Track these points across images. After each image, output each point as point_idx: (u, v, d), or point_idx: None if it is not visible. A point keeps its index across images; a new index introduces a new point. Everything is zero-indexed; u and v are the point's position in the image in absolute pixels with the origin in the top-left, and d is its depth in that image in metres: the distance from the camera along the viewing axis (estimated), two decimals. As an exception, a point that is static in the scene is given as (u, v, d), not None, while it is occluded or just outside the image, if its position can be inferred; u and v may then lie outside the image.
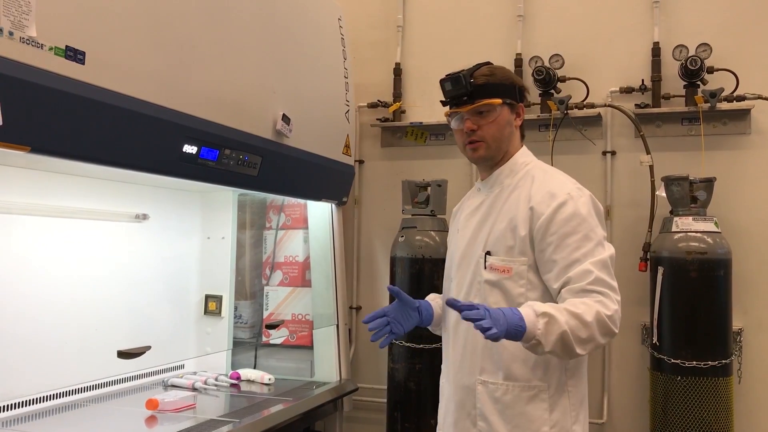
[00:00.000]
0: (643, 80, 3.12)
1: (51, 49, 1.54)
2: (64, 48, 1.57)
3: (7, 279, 2.22)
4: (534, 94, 3.26)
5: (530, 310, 1.58)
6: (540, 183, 1.81)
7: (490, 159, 1.88)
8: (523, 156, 1.91)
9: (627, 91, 3.14)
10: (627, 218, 3.16)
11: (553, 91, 3.19)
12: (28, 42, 1.48)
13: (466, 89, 1.82)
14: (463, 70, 1.85)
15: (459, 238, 1.94)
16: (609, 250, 1.77)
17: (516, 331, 1.54)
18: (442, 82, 1.87)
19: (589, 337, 1.60)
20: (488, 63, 1.91)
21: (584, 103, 3.15)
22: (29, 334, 2.28)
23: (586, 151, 3.23)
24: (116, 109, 1.74)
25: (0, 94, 1.40)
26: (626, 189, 3.18)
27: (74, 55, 1.60)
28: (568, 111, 3.12)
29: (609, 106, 3.14)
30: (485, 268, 1.80)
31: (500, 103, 1.82)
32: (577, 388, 1.79)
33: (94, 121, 1.70)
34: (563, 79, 3.19)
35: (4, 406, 2.19)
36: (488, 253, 1.80)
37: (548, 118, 3.17)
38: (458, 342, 1.86)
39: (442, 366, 1.97)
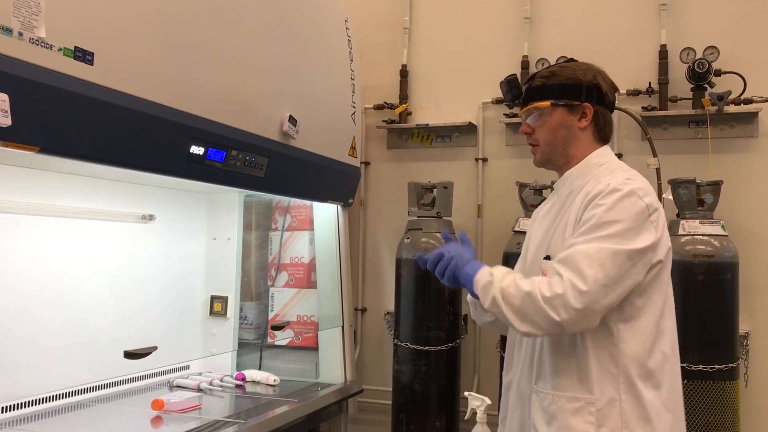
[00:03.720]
0: (650, 83, 3.12)
1: (60, 49, 1.54)
2: (73, 49, 1.57)
3: (14, 279, 2.22)
4: (540, 96, 3.26)
5: (487, 270, 1.64)
6: (597, 180, 1.70)
7: (547, 162, 1.82)
8: (599, 157, 1.78)
9: (634, 93, 3.14)
10: (633, 221, 3.15)
11: (559, 93, 3.18)
12: (37, 43, 1.48)
13: (517, 92, 1.80)
14: (537, 71, 1.84)
15: (530, 244, 1.87)
16: (626, 243, 1.57)
17: (466, 282, 1.66)
18: (500, 84, 1.84)
19: (520, 310, 1.56)
20: (571, 60, 1.86)
21: (591, 105, 3.14)
22: (36, 333, 2.28)
23: (593, 153, 3.22)
24: (124, 110, 1.75)
25: (9, 95, 1.40)
26: (633, 192, 3.16)
27: (83, 55, 1.60)
28: (575, 113, 3.12)
29: (616, 108, 3.13)
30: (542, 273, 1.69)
31: (548, 105, 1.75)
32: (637, 403, 1.61)
33: (102, 121, 1.70)
34: (570, 82, 3.18)
35: (10, 406, 2.20)
36: (547, 257, 1.70)
37: (555, 121, 3.17)
38: (522, 345, 1.78)
39: (505, 362, 1.88)
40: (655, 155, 3.00)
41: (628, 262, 1.56)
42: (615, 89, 1.83)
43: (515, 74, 1.83)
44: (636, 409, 1.60)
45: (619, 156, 3.18)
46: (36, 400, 2.28)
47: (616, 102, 2.98)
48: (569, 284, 1.53)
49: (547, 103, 1.75)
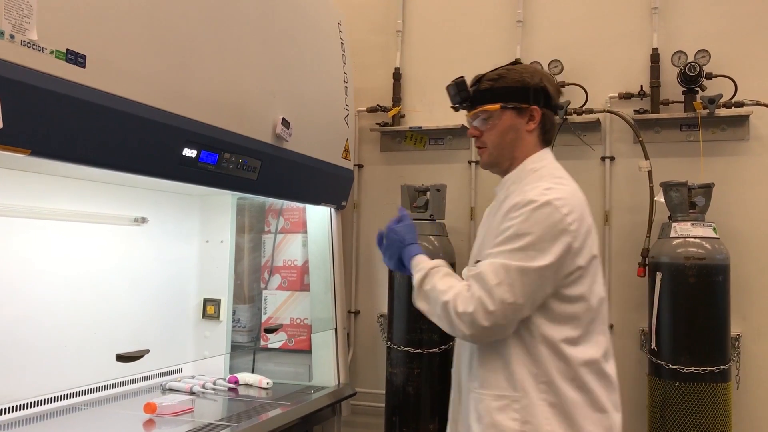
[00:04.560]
0: (642, 86, 3.13)
1: (52, 52, 1.54)
2: (64, 51, 1.57)
3: (6, 282, 2.21)
4: (533, 99, 3.27)
5: (422, 257, 1.78)
6: (523, 188, 1.71)
7: (494, 165, 1.83)
8: (534, 162, 1.78)
9: (626, 96, 3.15)
10: (625, 224, 3.16)
11: (552, 96, 3.19)
12: (29, 45, 1.48)
13: (466, 94, 1.80)
14: (482, 74, 1.83)
15: (474, 243, 1.92)
16: (532, 260, 1.58)
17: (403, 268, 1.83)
18: (447, 87, 1.84)
19: (438, 316, 1.68)
20: (516, 62, 1.87)
21: (583, 108, 3.16)
22: (28, 337, 2.27)
23: (585, 156, 3.24)
24: (116, 113, 1.74)
25: (1, 97, 1.40)
26: (625, 194, 3.18)
27: (75, 58, 1.60)
28: (567, 116, 3.13)
29: (608, 111, 3.15)
30: None
31: (498, 108, 1.76)
32: (559, 402, 1.62)
33: (95, 124, 1.70)
34: (562, 85, 3.19)
35: (3, 410, 2.19)
36: (478, 262, 1.72)
37: (547, 124, 3.18)
38: (464, 343, 1.82)
39: (454, 358, 1.92)
40: (647, 158, 3.01)
41: (538, 279, 1.59)
42: (560, 92, 1.87)
43: (463, 77, 1.83)
44: (558, 408, 1.62)
45: (611, 159, 3.20)
46: (28, 403, 2.28)
47: (608, 105, 3.02)
48: (479, 303, 1.58)
49: (497, 106, 1.76)
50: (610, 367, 1.71)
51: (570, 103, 3.13)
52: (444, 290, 1.65)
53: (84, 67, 1.62)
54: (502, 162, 1.81)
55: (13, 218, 2.24)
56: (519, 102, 1.76)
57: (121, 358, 2.32)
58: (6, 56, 1.43)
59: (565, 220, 1.59)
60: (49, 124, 1.58)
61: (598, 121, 3.18)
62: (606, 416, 1.66)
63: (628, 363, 3.12)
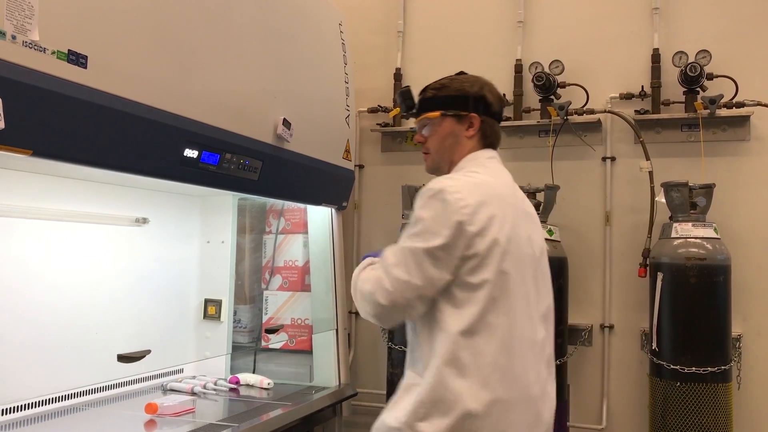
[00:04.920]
0: (642, 86, 3.13)
1: (54, 52, 1.54)
2: (66, 52, 1.57)
3: (7, 282, 2.21)
4: (534, 99, 3.28)
5: (372, 258, 1.85)
6: None
7: (436, 169, 1.91)
8: (465, 161, 1.85)
9: (627, 97, 3.15)
10: (626, 224, 3.17)
11: (553, 96, 3.20)
12: (30, 46, 1.48)
13: (410, 103, 1.97)
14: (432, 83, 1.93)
15: None
16: (424, 242, 1.65)
17: None
18: (394, 97, 1.95)
19: (354, 297, 1.80)
20: (461, 73, 1.94)
21: (584, 108, 3.16)
22: (29, 337, 2.27)
23: (586, 156, 3.24)
24: (118, 113, 1.75)
25: (2, 98, 1.40)
26: (626, 195, 3.18)
27: (76, 58, 1.60)
28: (568, 117, 3.13)
29: (609, 112, 3.15)
30: None
31: (438, 115, 1.86)
32: (431, 386, 1.65)
33: (96, 124, 1.70)
34: (563, 85, 3.20)
35: (3, 410, 2.19)
36: None
37: (548, 124, 3.19)
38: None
39: None
40: (647, 158, 3.01)
41: (431, 259, 1.65)
42: (502, 101, 1.92)
43: (408, 86, 1.99)
44: (432, 392, 1.64)
45: (612, 159, 3.20)
46: (29, 403, 2.28)
47: (608, 105, 3.02)
48: (378, 283, 1.70)
49: (437, 113, 1.87)
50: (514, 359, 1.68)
51: (571, 103, 3.13)
52: (364, 278, 1.77)
53: (85, 67, 1.63)
54: (443, 166, 1.90)
55: (14, 219, 2.24)
56: (458, 110, 1.86)
57: (123, 358, 2.32)
58: (8, 57, 1.43)
59: (458, 204, 1.65)
60: (50, 125, 1.58)
61: (599, 121, 3.19)
62: (498, 408, 1.64)
63: (629, 363, 3.13)
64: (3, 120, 1.39)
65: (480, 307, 1.64)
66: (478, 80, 1.90)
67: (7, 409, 2.20)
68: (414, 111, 1.96)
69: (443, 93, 1.88)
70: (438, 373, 1.64)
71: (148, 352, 2.44)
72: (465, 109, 1.85)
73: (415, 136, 1.96)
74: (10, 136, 1.45)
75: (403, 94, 2.00)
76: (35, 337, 2.30)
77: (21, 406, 2.25)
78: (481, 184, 1.74)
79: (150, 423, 2.28)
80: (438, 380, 1.64)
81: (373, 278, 1.72)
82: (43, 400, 2.33)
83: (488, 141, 1.88)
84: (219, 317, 3.13)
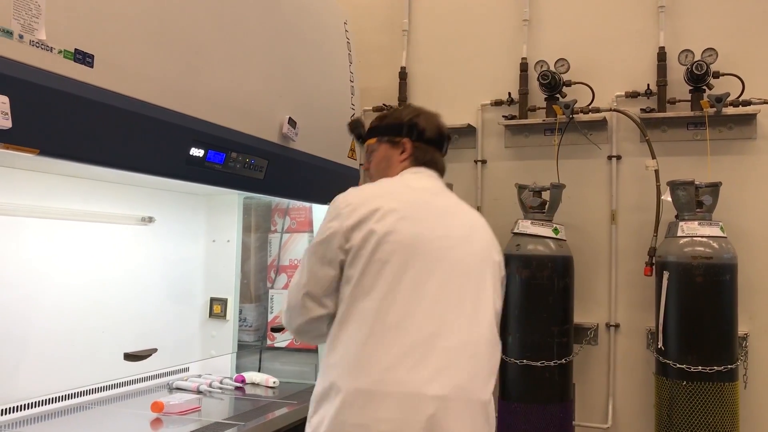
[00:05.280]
0: (648, 85, 3.12)
1: (60, 52, 1.54)
2: (73, 51, 1.57)
3: (14, 281, 2.22)
4: (539, 98, 3.27)
5: None
6: None
7: None
8: (387, 179, 1.95)
9: (632, 95, 3.15)
10: (632, 223, 3.16)
11: (558, 95, 3.19)
12: (37, 45, 1.49)
13: (357, 132, 2.13)
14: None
15: None
16: (312, 242, 1.79)
17: None
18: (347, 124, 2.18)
19: None
20: (408, 106, 2.13)
21: (590, 107, 3.16)
22: (35, 335, 2.28)
23: (592, 155, 3.24)
24: (124, 112, 1.75)
25: (10, 97, 1.40)
26: (631, 193, 3.18)
27: (83, 58, 1.60)
28: (574, 115, 3.13)
29: (614, 110, 3.15)
30: None
31: (375, 142, 2.01)
32: (318, 380, 1.73)
33: (102, 123, 1.70)
34: (569, 84, 3.19)
35: (10, 408, 2.20)
36: None
37: (554, 123, 3.18)
38: None
39: None
40: (653, 157, 3.01)
41: (313, 257, 1.75)
42: (441, 131, 2.00)
43: (359, 117, 2.25)
44: (319, 386, 1.72)
45: (618, 158, 3.19)
46: (35, 402, 2.28)
47: (614, 104, 3.01)
48: (288, 289, 1.84)
49: (374, 140, 2.03)
50: (379, 342, 1.62)
51: (576, 101, 3.13)
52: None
53: (92, 66, 1.63)
54: None
55: (21, 217, 2.24)
56: (392, 136, 1.98)
57: (129, 357, 2.33)
58: (15, 56, 1.43)
59: (340, 206, 1.76)
60: (57, 124, 1.58)
61: (604, 119, 3.18)
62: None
63: (635, 362, 3.12)
64: (10, 119, 1.39)
65: (349, 294, 1.68)
66: (414, 110, 2.02)
67: (14, 407, 2.21)
68: (361, 139, 2.11)
69: (382, 122, 2.04)
70: (322, 365, 1.74)
71: (155, 350, 2.44)
72: (398, 135, 1.96)
73: (363, 164, 2.10)
74: (17, 135, 1.45)
75: (352, 124, 2.17)
76: (41, 335, 2.30)
77: (27, 404, 2.25)
78: (375, 186, 1.86)
79: (156, 421, 2.29)
80: (321, 372, 1.73)
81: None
82: (49, 399, 2.33)
83: (420, 163, 1.96)
84: (225, 316, 3.13)
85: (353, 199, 1.76)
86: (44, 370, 2.31)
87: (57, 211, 2.37)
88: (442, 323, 1.66)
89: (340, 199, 1.79)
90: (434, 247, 1.72)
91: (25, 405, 2.24)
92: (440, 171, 2.01)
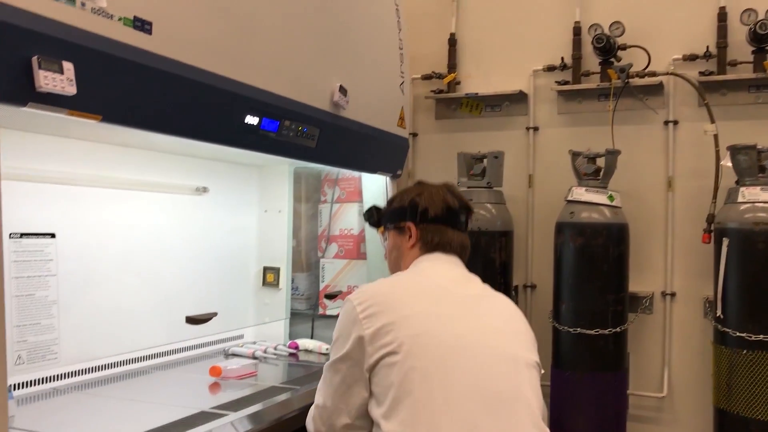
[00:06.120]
0: (708, 47, 3.02)
1: (120, 19, 1.56)
2: (132, 18, 1.59)
3: (75, 249, 2.27)
4: (593, 63, 3.20)
5: None
6: None
7: None
8: (404, 271, 1.84)
9: (691, 58, 3.05)
10: (690, 189, 3.08)
11: (613, 59, 3.11)
12: (98, 12, 1.50)
13: (372, 220, 2.04)
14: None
15: None
16: (333, 356, 1.64)
17: None
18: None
19: None
20: (419, 183, 1.95)
21: (646, 71, 3.07)
22: (98, 302, 2.34)
23: (647, 121, 3.16)
24: (182, 80, 1.76)
25: (74, 63, 1.43)
26: (689, 159, 3.10)
27: (142, 25, 1.62)
28: (629, 80, 3.05)
29: (671, 74, 3.06)
30: None
31: (382, 231, 1.95)
32: None
33: (161, 91, 1.72)
34: (624, 47, 3.10)
35: (78, 371, 2.27)
36: None
37: (608, 88, 3.10)
38: None
39: None
40: (712, 121, 2.92)
41: (335, 375, 1.62)
42: (447, 204, 1.84)
43: (374, 206, 2.05)
44: None
45: (675, 123, 3.11)
46: (103, 365, 2.36)
47: (671, 67, 2.87)
48: (311, 410, 1.72)
49: (381, 229, 1.97)
50: None
51: (632, 65, 3.04)
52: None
53: (150, 33, 1.64)
54: None
55: (80, 187, 2.30)
56: (397, 222, 1.89)
57: (191, 320, 2.38)
58: (78, 23, 1.45)
59: (355, 310, 1.59)
60: (117, 91, 1.61)
61: (661, 84, 3.09)
62: None
63: (692, 331, 3.07)
64: (75, 85, 1.41)
65: (375, 414, 1.54)
66: (420, 188, 1.90)
67: (80, 370, 2.28)
68: (377, 227, 2.04)
69: (388, 208, 1.96)
70: None
71: (215, 314, 2.49)
72: (403, 220, 1.86)
73: None
74: (81, 102, 1.48)
75: (366, 213, 2.08)
76: (103, 301, 2.37)
77: (94, 367, 2.33)
78: (388, 285, 1.71)
79: (215, 385, 2.34)
80: None
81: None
82: (111, 363, 2.40)
83: (432, 246, 1.82)
84: (277, 284, 3.17)
85: (371, 301, 1.60)
86: (105, 335, 2.38)
87: (115, 181, 2.42)
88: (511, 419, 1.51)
89: (355, 299, 1.62)
90: (460, 347, 1.56)
91: (88, 368, 2.32)
92: (457, 251, 1.83)
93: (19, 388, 2.05)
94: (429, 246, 1.82)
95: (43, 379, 2.14)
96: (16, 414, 1.83)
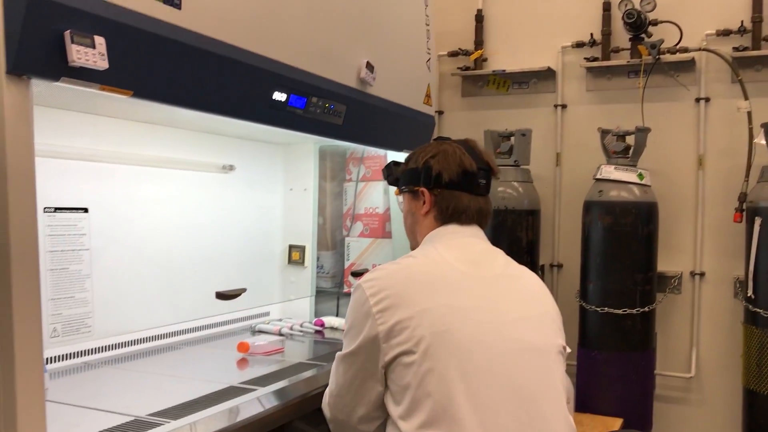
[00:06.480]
0: (742, 21, 2.95)
1: (150, -7, 1.55)
2: (162, -7, 1.59)
3: (107, 224, 2.29)
4: (623, 39, 3.14)
5: None
6: None
7: (412, 250, 1.79)
8: (424, 242, 1.71)
9: (724, 33, 2.98)
10: (721, 168, 3.03)
11: (643, 35, 3.05)
12: (128, -14, 1.50)
13: (390, 178, 1.86)
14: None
15: None
16: (346, 349, 1.57)
17: None
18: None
19: None
20: (440, 138, 1.81)
21: (677, 47, 3.01)
22: (128, 277, 2.36)
23: (678, 98, 3.10)
24: (211, 55, 1.75)
25: (106, 38, 1.43)
26: (721, 137, 3.04)
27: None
28: (660, 56, 2.99)
29: (704, 50, 3.00)
30: None
31: (398, 194, 1.81)
32: None
33: (191, 66, 1.72)
34: (655, 23, 3.05)
35: (111, 345, 2.30)
36: None
37: (638, 64, 3.05)
38: None
39: None
40: (746, 98, 2.86)
41: (350, 369, 1.56)
42: (463, 167, 1.68)
43: (392, 161, 1.86)
44: None
45: (707, 100, 3.05)
46: (134, 340, 2.39)
47: (704, 43, 2.80)
48: (324, 396, 1.69)
49: (397, 190, 1.80)
50: None
51: (663, 41, 2.98)
52: None
53: (180, 8, 1.64)
54: (412, 246, 1.80)
55: (107, 164, 2.31)
56: (411, 185, 1.73)
57: (221, 295, 2.39)
58: (110, -2, 1.45)
59: (368, 302, 1.49)
60: (148, 66, 1.60)
61: (693, 60, 3.04)
62: None
63: (722, 311, 3.03)
64: (107, 60, 1.41)
65: (392, 410, 1.48)
66: (435, 149, 1.72)
67: (109, 345, 2.31)
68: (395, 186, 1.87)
69: (403, 168, 1.78)
70: None
71: (244, 290, 2.50)
72: (417, 184, 1.71)
73: None
74: (113, 77, 1.47)
75: (384, 170, 1.90)
76: (134, 276, 2.39)
77: (123, 342, 2.36)
78: (403, 270, 1.57)
79: (243, 361, 2.36)
80: None
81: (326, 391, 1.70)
82: (141, 338, 2.43)
83: (447, 215, 1.68)
84: (303, 262, 3.18)
85: (385, 293, 1.49)
86: (135, 311, 2.40)
87: (143, 158, 2.43)
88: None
89: (367, 288, 1.52)
90: (481, 344, 1.47)
91: (119, 343, 2.34)
92: (475, 219, 1.70)
93: (52, 362, 2.09)
94: (444, 215, 1.68)
95: (77, 353, 2.17)
96: (50, 387, 1.86)
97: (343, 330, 1.61)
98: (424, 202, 1.70)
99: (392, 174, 1.84)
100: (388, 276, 1.55)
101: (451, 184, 1.67)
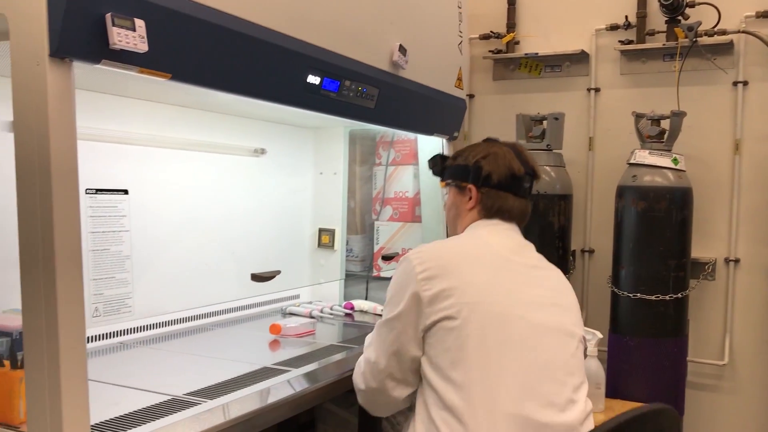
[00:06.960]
0: (783, 2, 2.88)
1: (187, -24, 1.56)
2: (198, -25, 1.59)
3: (148, 206, 2.32)
4: (659, 21, 3.09)
5: None
6: None
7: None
8: (467, 230, 1.84)
9: (764, 15, 2.91)
10: (759, 153, 2.98)
11: (680, 17, 2.99)
12: (166, -31, 1.50)
13: (436, 169, 2.00)
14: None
15: None
16: (388, 315, 1.65)
17: None
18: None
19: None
20: (488, 140, 1.94)
21: (715, 29, 2.95)
22: (164, 259, 2.40)
23: (715, 81, 3.04)
24: (247, 38, 1.76)
25: (146, 21, 1.43)
26: (759, 121, 2.98)
27: (207, -19, 1.61)
28: (697, 38, 2.93)
29: (743, 32, 2.93)
30: None
31: (444, 186, 1.94)
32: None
33: (228, 50, 1.72)
34: (692, 5, 2.98)
35: (150, 325, 2.34)
36: None
37: (674, 47, 2.99)
38: None
39: None
40: (786, 81, 2.80)
41: (390, 333, 1.63)
42: (512, 171, 1.80)
43: (439, 154, 2.01)
44: None
45: (745, 84, 2.99)
46: (171, 320, 2.42)
47: (743, 25, 2.73)
48: (358, 366, 1.77)
49: (444, 183, 1.94)
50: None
51: (701, 23, 2.92)
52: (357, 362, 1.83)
53: (217, -10, 1.64)
54: (451, 235, 1.92)
55: (149, 147, 2.34)
56: (459, 180, 1.87)
57: (256, 277, 2.41)
58: (148, -20, 1.46)
59: (414, 270, 1.60)
60: (184, 49, 1.61)
61: (731, 42, 2.97)
62: None
63: (756, 298, 2.99)
64: (147, 43, 1.42)
65: (429, 374, 1.57)
66: (486, 149, 1.86)
67: (148, 325, 2.35)
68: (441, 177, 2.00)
69: (453, 163, 1.92)
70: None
71: (278, 272, 2.52)
72: (465, 180, 1.85)
73: None
74: (152, 60, 1.49)
75: (431, 160, 2.03)
76: (170, 258, 2.42)
77: (160, 323, 2.40)
78: (449, 247, 1.72)
79: (275, 342, 2.38)
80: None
81: (359, 361, 1.78)
82: (176, 319, 2.47)
83: (491, 213, 1.81)
84: (332, 246, 3.20)
85: (432, 262, 1.61)
86: (173, 292, 2.44)
87: (177, 141, 2.45)
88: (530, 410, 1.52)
89: (414, 258, 1.64)
90: (516, 318, 1.59)
91: (157, 323, 2.38)
92: (516, 218, 1.83)
93: (92, 341, 2.13)
94: (488, 212, 1.82)
95: (116, 332, 2.21)
96: (89, 366, 1.89)
97: (385, 301, 1.69)
98: (470, 198, 1.83)
99: (438, 165, 1.99)
100: (435, 249, 1.69)
101: (499, 185, 1.81)
